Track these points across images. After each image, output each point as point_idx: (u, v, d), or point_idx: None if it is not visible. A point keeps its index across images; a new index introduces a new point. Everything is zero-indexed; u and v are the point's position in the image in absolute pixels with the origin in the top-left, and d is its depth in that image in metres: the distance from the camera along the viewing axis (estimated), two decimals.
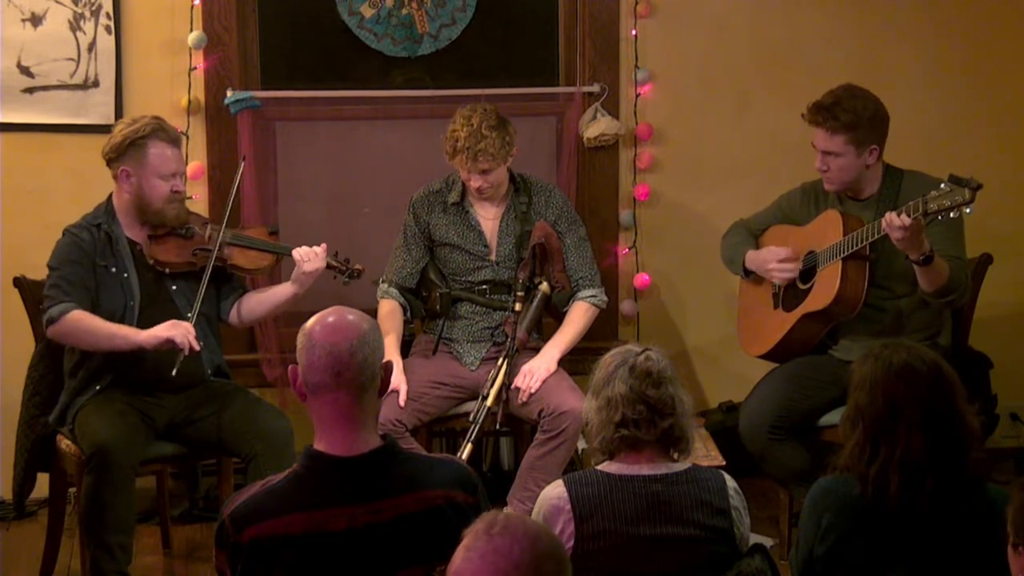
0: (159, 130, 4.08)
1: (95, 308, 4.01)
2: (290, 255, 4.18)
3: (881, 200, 4.23)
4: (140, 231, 4.13)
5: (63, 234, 4.10)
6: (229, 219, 4.19)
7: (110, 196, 4.15)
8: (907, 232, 3.88)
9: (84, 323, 3.96)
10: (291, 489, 2.65)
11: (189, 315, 4.04)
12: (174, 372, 3.91)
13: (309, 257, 4.15)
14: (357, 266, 4.28)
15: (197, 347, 3.96)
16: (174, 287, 4.12)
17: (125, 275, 4.08)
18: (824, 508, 2.94)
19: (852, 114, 4.17)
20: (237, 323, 4.31)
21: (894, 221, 3.90)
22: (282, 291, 4.23)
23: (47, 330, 4.01)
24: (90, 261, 4.05)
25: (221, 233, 4.13)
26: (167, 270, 4.11)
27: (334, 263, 4.23)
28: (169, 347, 3.92)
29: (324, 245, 4.20)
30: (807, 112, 4.25)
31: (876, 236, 4.02)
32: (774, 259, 4.33)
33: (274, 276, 4.46)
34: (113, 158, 4.08)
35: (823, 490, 2.98)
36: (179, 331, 3.92)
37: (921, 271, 4.04)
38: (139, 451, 3.95)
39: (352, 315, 2.70)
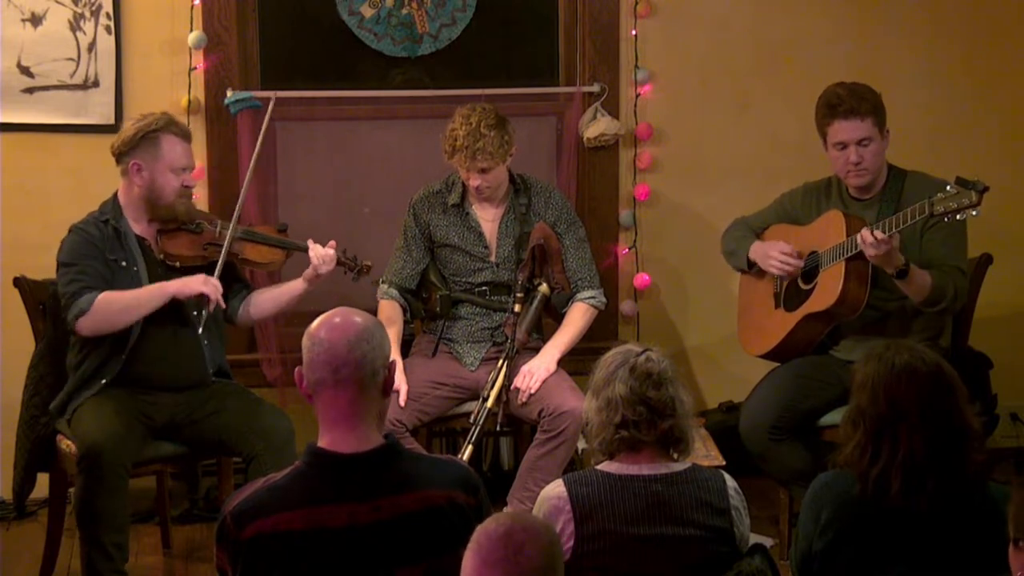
0: (171, 124, 4.09)
1: None
2: (304, 251, 4.19)
3: (884, 200, 4.23)
4: (147, 227, 4.13)
5: (70, 231, 4.08)
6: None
7: (116, 193, 4.15)
8: (879, 250, 3.90)
9: (117, 302, 3.96)
10: (293, 486, 2.65)
11: (195, 312, 4.04)
12: (200, 331, 4.01)
13: (325, 259, 4.16)
14: (366, 262, 4.29)
15: (224, 305, 4.05)
16: None
17: (135, 269, 4.07)
18: (824, 503, 2.94)
19: (871, 98, 4.21)
20: (247, 321, 4.31)
21: (867, 238, 3.91)
22: (293, 288, 4.24)
23: (78, 324, 3.95)
24: (101, 255, 4.04)
25: (232, 227, 4.13)
26: (178, 264, 4.11)
27: (343, 259, 4.24)
28: (197, 300, 4.00)
29: (333, 243, 4.21)
30: (824, 114, 4.24)
31: (853, 252, 4.04)
32: (777, 251, 4.33)
33: (273, 275, 4.45)
34: (124, 152, 4.07)
35: (823, 485, 2.98)
36: (210, 286, 3.99)
37: (900, 284, 4.05)
38: (132, 452, 3.94)
39: (355, 315, 2.71)
